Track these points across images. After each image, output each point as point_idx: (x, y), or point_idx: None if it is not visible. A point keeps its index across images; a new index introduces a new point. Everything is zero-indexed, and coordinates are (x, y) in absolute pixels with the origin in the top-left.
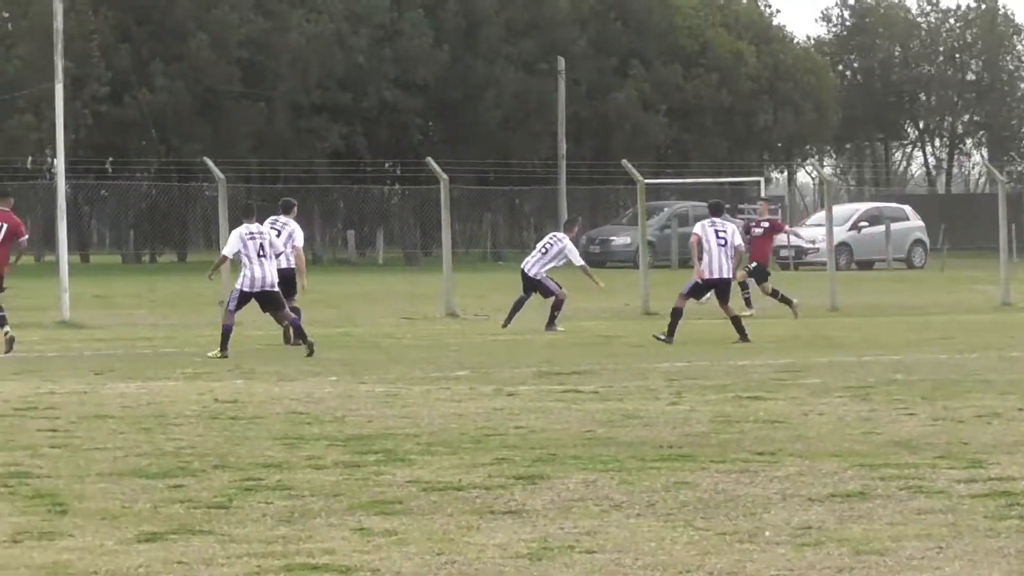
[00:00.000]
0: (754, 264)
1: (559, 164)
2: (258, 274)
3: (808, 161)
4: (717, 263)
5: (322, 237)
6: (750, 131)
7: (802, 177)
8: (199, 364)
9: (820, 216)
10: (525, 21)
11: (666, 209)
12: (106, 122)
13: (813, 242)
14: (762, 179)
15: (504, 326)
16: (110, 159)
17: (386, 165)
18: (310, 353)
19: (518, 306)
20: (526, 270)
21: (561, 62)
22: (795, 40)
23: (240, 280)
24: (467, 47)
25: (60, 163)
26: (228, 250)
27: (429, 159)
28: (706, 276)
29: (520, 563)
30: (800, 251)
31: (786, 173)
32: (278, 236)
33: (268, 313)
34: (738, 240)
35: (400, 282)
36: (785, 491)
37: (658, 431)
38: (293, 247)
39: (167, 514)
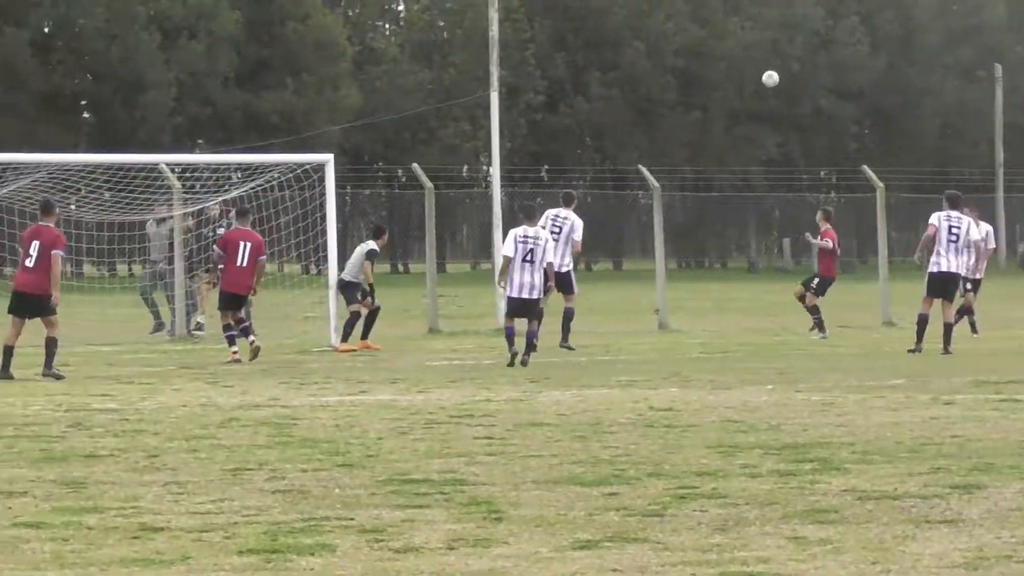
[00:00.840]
0: (819, 279)
1: (996, 172)
2: (517, 280)
3: None
4: (946, 258)
5: (757, 245)
6: None
7: None
8: (634, 372)
9: None
10: (963, 27)
11: None
12: (541, 130)
13: None
14: None
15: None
16: (545, 167)
17: (821, 173)
18: (523, 363)
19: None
20: None
21: (998, 69)
22: None
23: (508, 286)
24: (904, 54)
25: (496, 171)
26: (505, 251)
27: (865, 167)
28: (933, 270)
29: (956, 573)
30: None
31: None
32: (559, 233)
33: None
34: (974, 235)
35: (836, 290)
36: None
37: None
38: (573, 241)
39: (602, 522)
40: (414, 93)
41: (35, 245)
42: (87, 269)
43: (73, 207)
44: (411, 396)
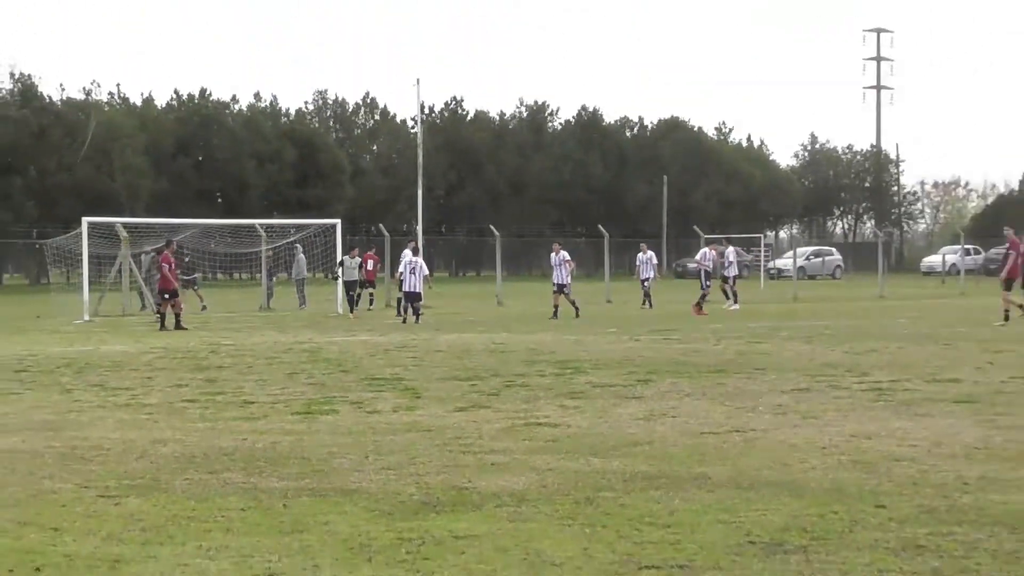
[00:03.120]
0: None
1: None
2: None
3: None
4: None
5: None
6: None
7: None
8: (483, 325)
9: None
10: None
11: None
12: None
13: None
14: None
15: None
16: None
17: None
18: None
19: None
20: None
21: None
22: None
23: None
24: None
25: None
26: None
27: None
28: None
29: (638, 423)
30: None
31: None
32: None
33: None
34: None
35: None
36: (770, 388)
37: (705, 359)
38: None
39: (469, 398)
40: None
41: None
42: None
43: None
44: (379, 337)
